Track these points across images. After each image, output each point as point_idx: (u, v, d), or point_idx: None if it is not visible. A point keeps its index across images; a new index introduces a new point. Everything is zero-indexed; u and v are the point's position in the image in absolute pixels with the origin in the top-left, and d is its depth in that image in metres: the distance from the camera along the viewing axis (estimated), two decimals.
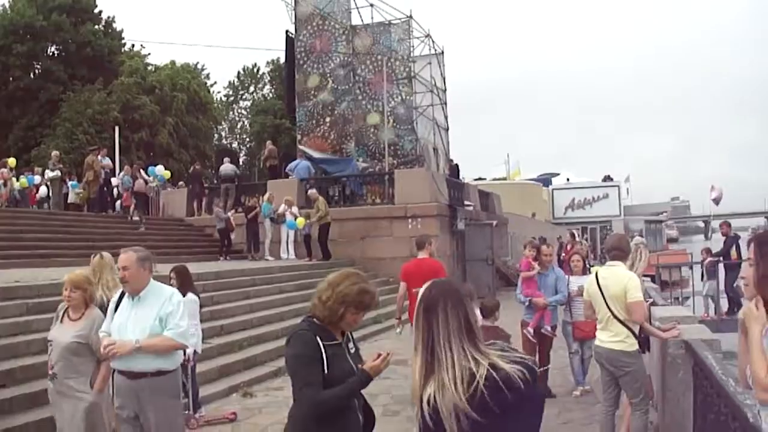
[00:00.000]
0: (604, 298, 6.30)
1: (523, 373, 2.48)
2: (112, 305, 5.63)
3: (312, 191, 20.77)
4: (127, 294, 5.49)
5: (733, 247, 16.63)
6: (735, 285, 15.89)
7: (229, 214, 21.28)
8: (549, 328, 9.27)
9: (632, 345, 6.21)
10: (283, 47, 29.66)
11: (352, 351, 3.63)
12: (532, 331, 9.14)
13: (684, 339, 6.40)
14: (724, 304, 16.95)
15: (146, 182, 23.86)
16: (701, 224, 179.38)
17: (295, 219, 20.13)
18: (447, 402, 2.48)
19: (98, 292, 6.72)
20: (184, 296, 7.91)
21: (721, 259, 16.95)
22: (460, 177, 29.47)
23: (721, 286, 17.03)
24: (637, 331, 6.26)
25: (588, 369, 9.42)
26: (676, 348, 6.45)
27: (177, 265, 8.57)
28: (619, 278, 6.28)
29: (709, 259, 17.46)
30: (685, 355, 6.36)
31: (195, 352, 8.08)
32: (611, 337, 6.27)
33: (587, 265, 10.57)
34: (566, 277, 9.66)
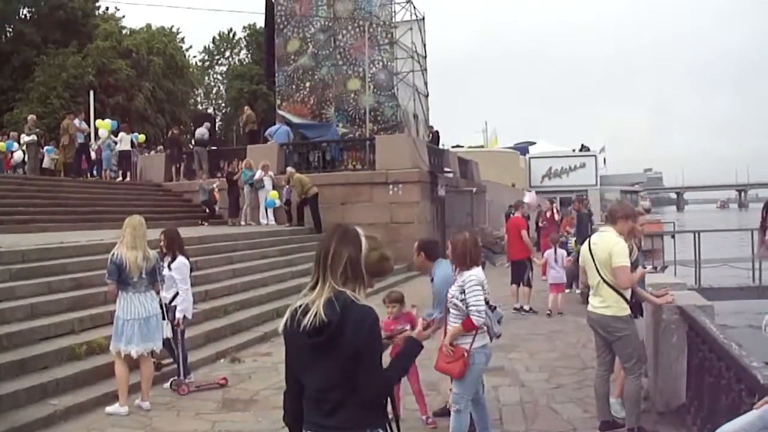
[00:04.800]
0: (595, 263, 6.29)
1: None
2: None
3: (289, 169, 20.63)
4: None
5: (589, 225, 16.19)
6: None
7: (215, 185, 21.18)
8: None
9: (623, 310, 6.17)
10: (262, 11, 29.34)
11: None
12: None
13: (678, 305, 6.46)
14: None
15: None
16: (673, 196, 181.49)
17: (273, 186, 20.26)
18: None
19: (116, 249, 7.34)
20: (173, 260, 7.92)
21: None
22: (440, 144, 29.42)
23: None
24: (628, 297, 6.24)
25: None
26: (670, 313, 6.51)
27: (167, 227, 8.52)
28: (606, 243, 6.26)
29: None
30: (679, 320, 6.43)
31: (185, 317, 8.04)
32: (601, 303, 6.25)
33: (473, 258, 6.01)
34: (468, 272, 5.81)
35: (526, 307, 13.45)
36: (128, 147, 24.35)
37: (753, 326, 14.39)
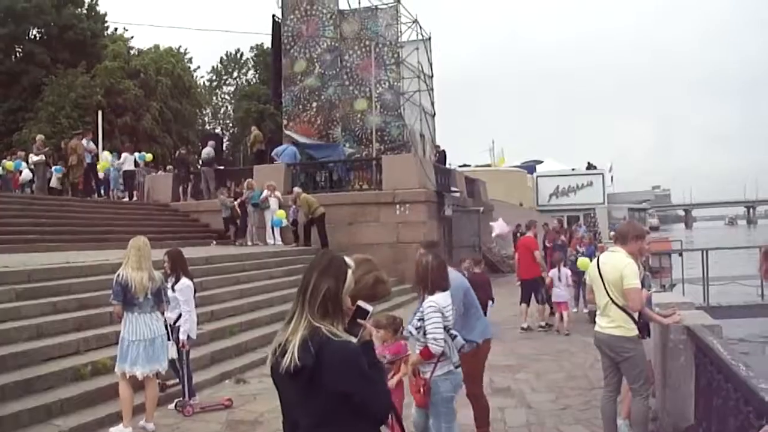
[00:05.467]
0: (603, 283, 6.24)
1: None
2: None
3: (296, 189, 20.62)
4: None
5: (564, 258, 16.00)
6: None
7: (236, 203, 21.15)
8: None
9: (631, 330, 6.13)
10: (269, 31, 29.46)
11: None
12: None
13: (685, 325, 6.39)
14: None
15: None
16: (681, 213, 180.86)
17: (279, 206, 20.31)
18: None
19: (121, 270, 7.34)
20: (177, 281, 7.90)
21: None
22: (447, 163, 29.43)
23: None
24: (636, 317, 6.19)
25: None
26: (678, 334, 6.43)
27: (171, 248, 8.51)
28: (616, 264, 6.21)
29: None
30: (687, 340, 6.35)
31: (189, 337, 8.01)
32: (609, 323, 6.21)
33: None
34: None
35: (542, 323, 13.59)
36: (132, 167, 24.58)
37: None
